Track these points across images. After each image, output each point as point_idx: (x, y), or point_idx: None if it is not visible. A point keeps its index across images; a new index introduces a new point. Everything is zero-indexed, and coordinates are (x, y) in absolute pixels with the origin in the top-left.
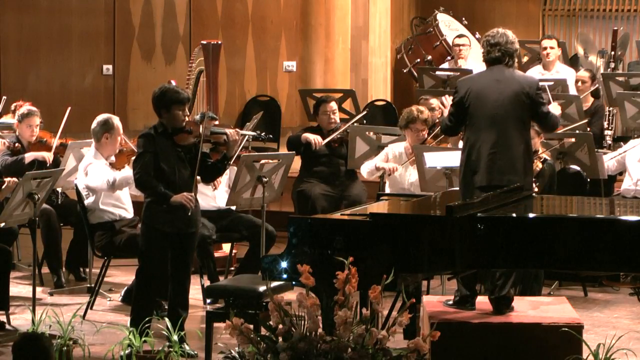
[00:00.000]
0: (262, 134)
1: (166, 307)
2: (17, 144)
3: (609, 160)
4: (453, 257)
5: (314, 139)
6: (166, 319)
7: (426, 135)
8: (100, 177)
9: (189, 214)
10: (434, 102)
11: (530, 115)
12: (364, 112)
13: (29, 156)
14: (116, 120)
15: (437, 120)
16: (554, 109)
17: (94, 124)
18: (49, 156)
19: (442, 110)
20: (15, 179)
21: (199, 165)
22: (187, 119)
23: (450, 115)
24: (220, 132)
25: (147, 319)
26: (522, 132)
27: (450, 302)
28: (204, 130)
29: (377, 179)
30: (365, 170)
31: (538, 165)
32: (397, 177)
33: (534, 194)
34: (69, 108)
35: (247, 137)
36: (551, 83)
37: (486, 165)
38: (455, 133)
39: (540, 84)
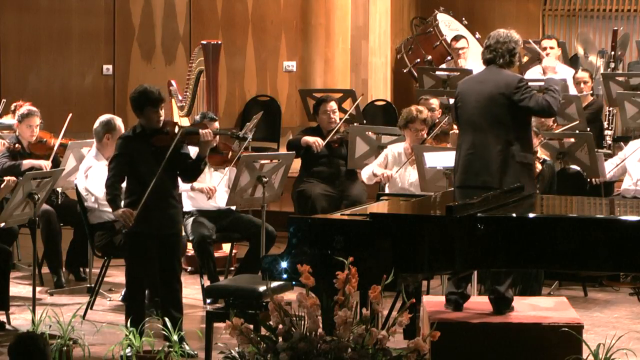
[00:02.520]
0: (238, 132)
1: None
2: (17, 145)
3: (610, 172)
4: (453, 257)
5: (314, 141)
6: (166, 319)
7: (425, 135)
8: (99, 185)
9: (123, 230)
10: (434, 102)
11: (514, 114)
12: (357, 102)
13: (26, 163)
14: (118, 121)
15: (437, 121)
16: (550, 60)
17: (96, 124)
18: (46, 164)
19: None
20: (14, 178)
21: (181, 166)
22: (162, 119)
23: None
24: (193, 132)
25: (142, 318)
26: (499, 132)
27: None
28: (179, 131)
29: (378, 179)
30: (365, 175)
31: (537, 167)
32: (397, 177)
33: (532, 192)
34: (70, 115)
35: (231, 134)
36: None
37: (462, 166)
38: None
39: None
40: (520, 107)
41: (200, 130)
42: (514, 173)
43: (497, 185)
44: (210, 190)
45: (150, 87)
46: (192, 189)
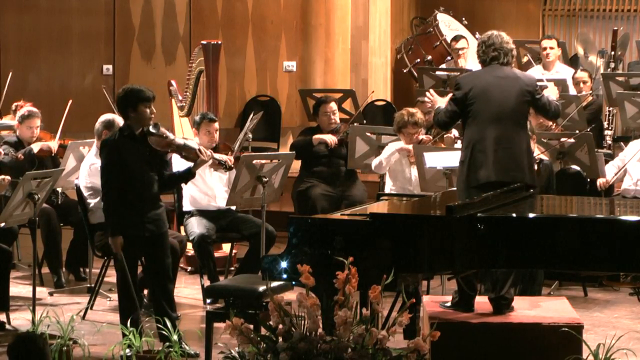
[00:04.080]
0: (226, 164)
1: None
2: (20, 155)
3: (612, 178)
4: (453, 257)
5: (329, 138)
6: (165, 319)
7: (421, 137)
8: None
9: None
10: None
11: (534, 109)
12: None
13: (35, 146)
14: (119, 120)
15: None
16: (551, 91)
17: (97, 123)
18: (54, 146)
19: (431, 100)
20: (8, 177)
21: (160, 172)
22: (153, 116)
23: (450, 112)
24: (192, 148)
25: (138, 318)
26: (523, 128)
27: (448, 304)
28: (180, 143)
29: (377, 178)
30: (383, 157)
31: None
32: (400, 174)
33: (532, 192)
34: (70, 101)
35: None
36: (551, 83)
37: (492, 161)
38: (449, 128)
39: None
40: (537, 105)
41: (202, 149)
42: (533, 168)
43: (528, 182)
44: (229, 159)
45: (137, 85)
46: (213, 159)
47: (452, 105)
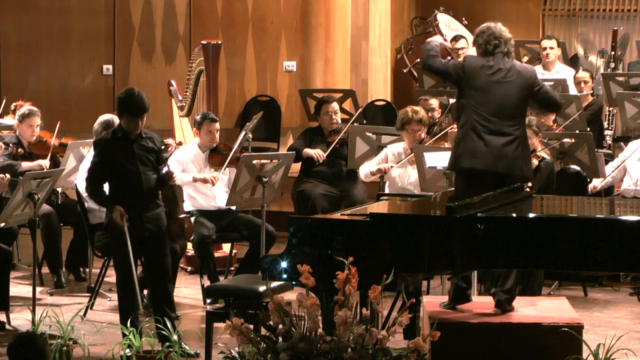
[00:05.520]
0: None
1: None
2: (19, 150)
3: (609, 176)
4: (453, 257)
5: (316, 153)
6: (164, 319)
7: (423, 135)
8: None
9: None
10: (434, 102)
11: (536, 102)
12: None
13: (25, 165)
14: (117, 121)
15: (437, 121)
16: None
17: (95, 124)
18: (45, 164)
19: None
20: (8, 176)
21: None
22: (139, 130)
23: (445, 72)
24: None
25: (137, 317)
26: (522, 120)
27: (446, 303)
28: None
29: (377, 179)
30: (362, 173)
31: (534, 163)
32: (397, 177)
33: (532, 192)
34: (59, 123)
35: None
36: (551, 83)
37: (484, 151)
38: (432, 73)
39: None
40: (539, 95)
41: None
42: (528, 162)
43: (518, 173)
44: (213, 178)
45: (139, 94)
46: (194, 179)
47: (454, 72)
